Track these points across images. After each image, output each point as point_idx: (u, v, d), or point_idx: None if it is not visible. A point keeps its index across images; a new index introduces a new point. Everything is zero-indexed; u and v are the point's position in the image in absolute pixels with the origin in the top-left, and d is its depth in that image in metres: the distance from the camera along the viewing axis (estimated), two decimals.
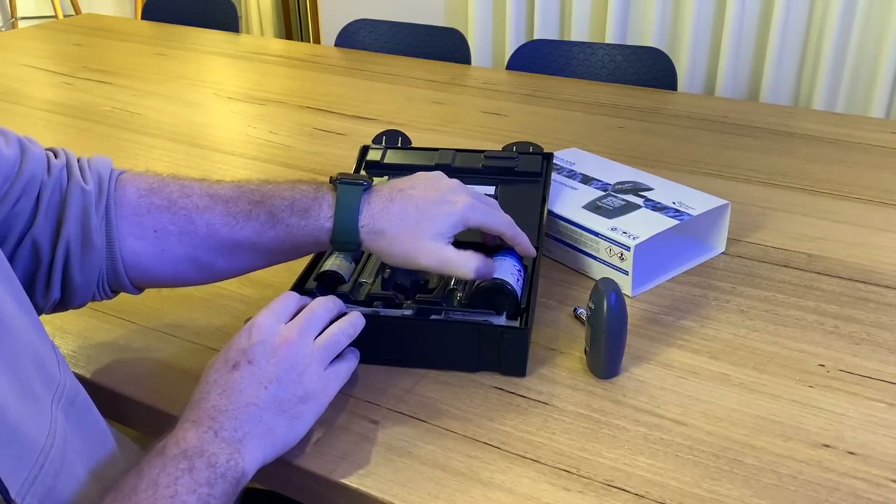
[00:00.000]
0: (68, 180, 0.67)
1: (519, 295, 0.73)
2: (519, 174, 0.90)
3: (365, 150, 0.95)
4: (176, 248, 0.69)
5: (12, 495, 0.48)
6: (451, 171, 0.89)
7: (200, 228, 0.69)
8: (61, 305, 0.69)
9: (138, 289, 0.72)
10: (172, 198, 0.69)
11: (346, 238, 0.69)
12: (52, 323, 0.81)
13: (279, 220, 0.68)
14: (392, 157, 0.93)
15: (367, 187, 0.70)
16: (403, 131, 1.02)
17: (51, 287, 0.66)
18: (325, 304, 0.67)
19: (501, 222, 0.74)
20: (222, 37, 2.00)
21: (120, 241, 0.68)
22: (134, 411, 0.72)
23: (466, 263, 0.70)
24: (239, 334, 0.63)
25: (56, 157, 0.69)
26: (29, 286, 0.65)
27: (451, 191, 0.72)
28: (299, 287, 0.77)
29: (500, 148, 0.98)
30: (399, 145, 0.98)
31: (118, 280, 0.69)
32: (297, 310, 0.67)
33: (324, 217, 0.69)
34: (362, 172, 0.87)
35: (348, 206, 0.68)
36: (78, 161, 0.70)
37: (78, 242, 0.66)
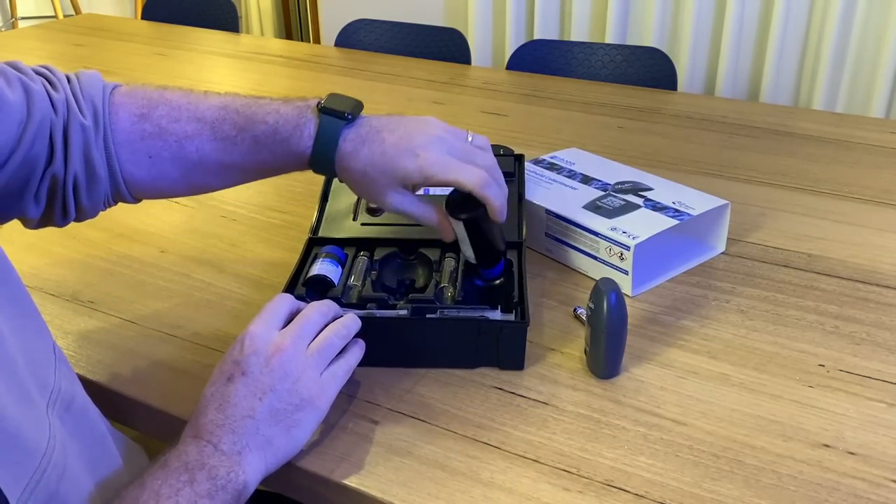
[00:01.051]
0: (68, 116, 0.69)
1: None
2: None
3: None
4: (171, 172, 0.72)
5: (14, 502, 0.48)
6: None
7: (191, 154, 0.72)
8: (73, 220, 0.72)
9: (137, 200, 0.75)
10: (162, 124, 0.71)
11: (322, 169, 0.72)
12: (52, 323, 0.81)
13: (263, 146, 0.71)
14: None
15: (350, 120, 0.71)
16: None
17: (67, 210, 0.70)
18: (319, 309, 0.67)
19: (469, 180, 0.70)
20: (222, 37, 2.00)
21: (120, 167, 0.71)
22: (134, 411, 0.72)
23: (427, 214, 0.73)
24: (233, 345, 0.63)
25: (55, 89, 0.70)
26: (48, 212, 0.70)
27: (422, 144, 0.70)
28: (289, 292, 0.76)
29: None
30: None
31: (121, 196, 0.73)
32: (292, 313, 0.67)
33: (303, 146, 0.70)
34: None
35: (326, 140, 0.70)
36: (71, 88, 0.71)
37: (83, 175, 0.69)
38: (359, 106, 0.73)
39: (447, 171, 0.70)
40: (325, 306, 0.68)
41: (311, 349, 0.64)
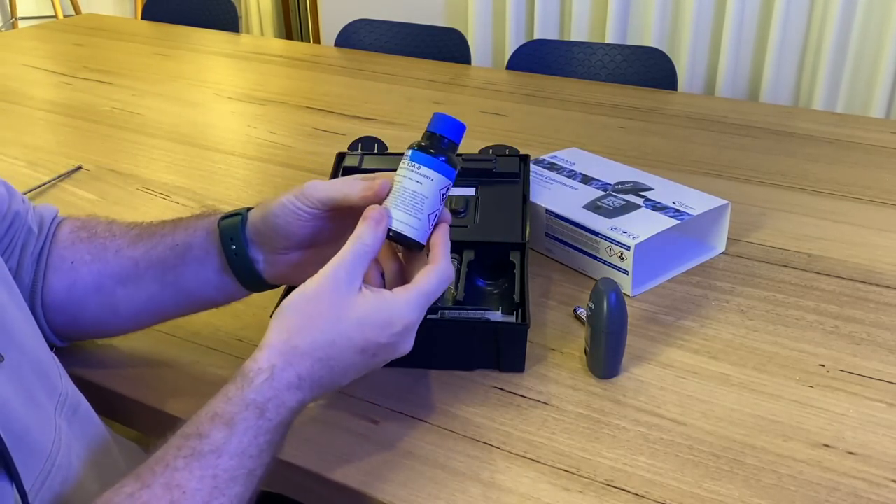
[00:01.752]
0: (24, 218, 0.69)
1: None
2: (498, 175, 0.91)
3: (341, 156, 0.95)
4: (86, 278, 0.69)
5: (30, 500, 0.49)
6: None
7: (110, 254, 0.69)
8: None
9: (59, 338, 0.71)
10: (97, 229, 0.71)
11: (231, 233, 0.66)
12: None
13: (184, 245, 0.68)
14: (369, 163, 0.93)
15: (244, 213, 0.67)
16: (403, 131, 1.02)
17: None
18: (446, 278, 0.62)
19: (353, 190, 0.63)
20: (222, 37, 2.00)
21: (44, 280, 0.68)
22: (134, 411, 0.72)
23: (348, 187, 0.64)
24: (394, 328, 0.58)
25: (23, 201, 0.70)
26: None
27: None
28: (290, 292, 0.76)
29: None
30: (376, 151, 0.98)
31: (38, 323, 0.67)
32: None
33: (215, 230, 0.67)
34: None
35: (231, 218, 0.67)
36: (24, 201, 0.71)
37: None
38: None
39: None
40: (447, 272, 0.62)
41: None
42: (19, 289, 0.64)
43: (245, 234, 0.66)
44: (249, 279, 0.68)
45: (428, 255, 0.62)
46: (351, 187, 0.62)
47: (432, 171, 0.62)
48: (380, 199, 0.62)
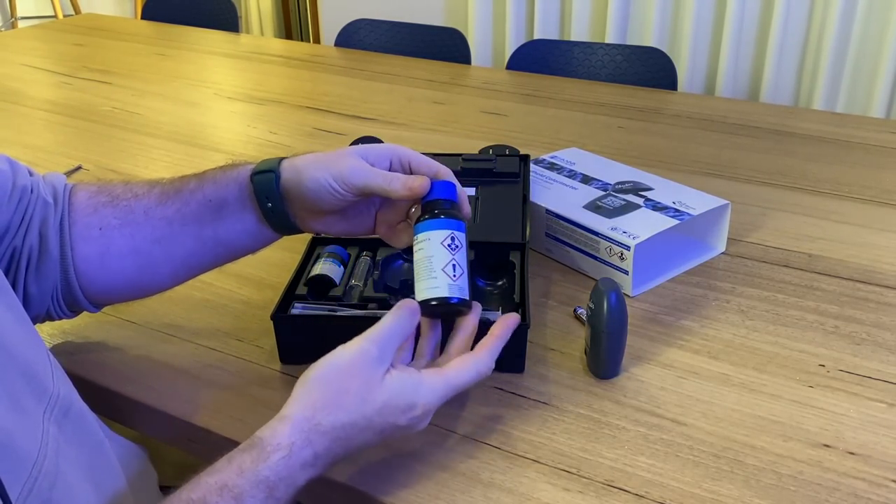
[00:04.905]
0: (35, 191, 0.68)
1: (464, 297, 0.64)
2: (497, 175, 0.91)
3: None
4: (119, 242, 0.69)
5: None
6: None
7: (139, 216, 0.69)
8: None
9: (94, 304, 0.72)
10: (116, 192, 0.70)
11: (268, 198, 0.68)
12: (52, 324, 0.81)
13: (211, 203, 0.69)
14: None
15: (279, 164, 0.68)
16: (403, 131, 1.02)
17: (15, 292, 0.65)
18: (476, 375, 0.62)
19: (431, 166, 0.68)
20: (222, 37, 2.00)
21: (73, 249, 0.68)
22: (134, 411, 0.72)
23: (388, 178, 0.66)
24: (419, 416, 0.58)
25: (30, 173, 0.70)
26: None
27: (345, 154, 0.68)
28: (290, 292, 0.76)
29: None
30: None
31: (72, 293, 0.69)
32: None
33: (247, 180, 0.68)
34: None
35: (268, 171, 0.68)
36: (31, 173, 0.71)
37: (37, 250, 0.66)
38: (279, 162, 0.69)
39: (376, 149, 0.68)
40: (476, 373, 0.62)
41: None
42: (48, 262, 0.66)
43: (279, 191, 0.67)
44: (285, 228, 0.70)
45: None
46: (391, 183, 0.65)
47: (428, 232, 0.64)
48: (417, 199, 0.66)
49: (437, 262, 0.63)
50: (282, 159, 0.69)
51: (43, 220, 0.67)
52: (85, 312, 0.73)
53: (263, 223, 0.69)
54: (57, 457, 0.54)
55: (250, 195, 0.68)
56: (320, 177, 0.65)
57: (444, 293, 0.62)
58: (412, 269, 0.81)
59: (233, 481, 0.52)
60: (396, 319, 0.59)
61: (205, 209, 0.69)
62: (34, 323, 0.65)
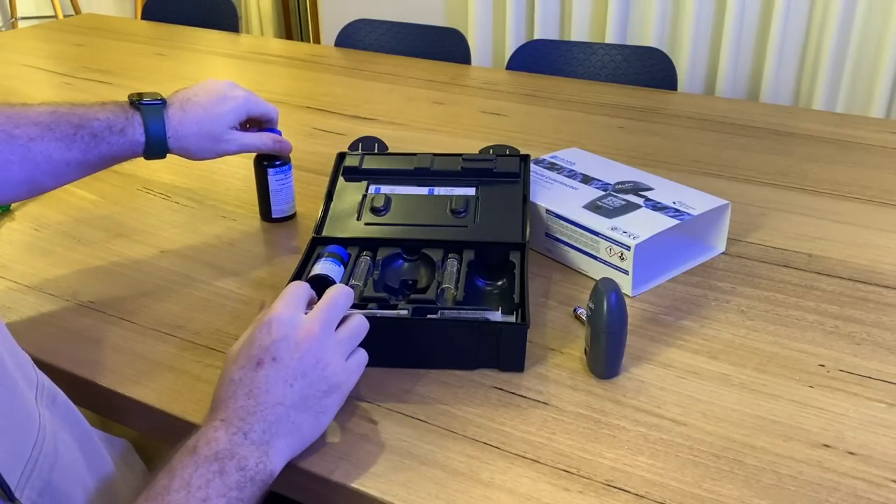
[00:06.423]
0: None
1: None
2: (497, 175, 0.91)
3: (342, 156, 0.95)
4: (17, 175, 0.79)
5: (13, 490, 0.48)
6: (430, 175, 0.91)
7: (38, 156, 0.79)
8: None
9: None
10: (7, 129, 0.78)
11: (157, 150, 0.85)
12: (52, 323, 0.81)
13: (101, 139, 0.81)
14: (369, 163, 0.94)
15: (164, 104, 0.85)
16: (403, 131, 1.02)
17: None
18: (346, 293, 0.66)
19: (274, 111, 0.94)
20: (222, 37, 2.00)
21: None
22: (134, 411, 0.72)
23: (261, 139, 0.93)
24: (258, 329, 0.62)
25: None
26: None
27: (230, 88, 0.89)
28: None
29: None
30: (376, 151, 0.98)
31: None
32: (308, 300, 0.66)
33: (138, 134, 0.83)
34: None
35: (155, 124, 0.84)
36: None
37: None
38: (159, 95, 0.86)
39: (259, 103, 0.92)
40: (348, 290, 0.67)
41: (339, 335, 0.64)
42: None
43: (166, 135, 0.85)
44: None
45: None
46: (266, 144, 0.93)
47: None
48: (284, 152, 0.95)
49: None
50: (165, 135, 0.84)
51: None
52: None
53: (140, 151, 0.85)
54: (55, 439, 0.54)
55: (140, 152, 0.84)
56: (206, 148, 0.88)
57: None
58: (412, 269, 0.82)
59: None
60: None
61: (98, 160, 0.82)
62: None
